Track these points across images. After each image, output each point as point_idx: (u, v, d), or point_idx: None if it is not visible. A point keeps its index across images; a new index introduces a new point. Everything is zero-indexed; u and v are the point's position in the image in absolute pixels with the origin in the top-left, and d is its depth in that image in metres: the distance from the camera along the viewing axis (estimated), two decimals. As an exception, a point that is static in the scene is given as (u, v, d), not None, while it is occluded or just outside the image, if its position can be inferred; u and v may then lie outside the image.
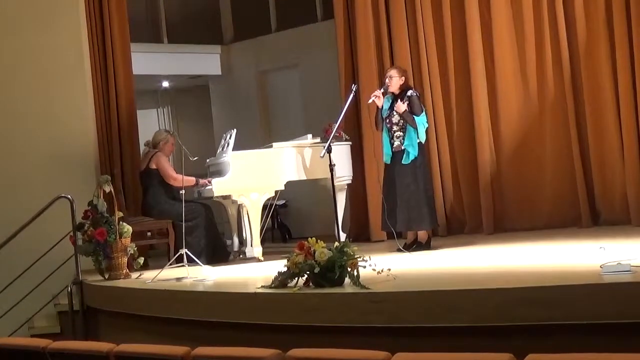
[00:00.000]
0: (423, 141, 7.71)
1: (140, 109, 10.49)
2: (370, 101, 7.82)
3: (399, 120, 7.68)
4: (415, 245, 7.74)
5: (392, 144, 7.73)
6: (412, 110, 7.64)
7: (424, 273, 6.25)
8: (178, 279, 6.76)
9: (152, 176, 8.25)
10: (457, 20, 9.11)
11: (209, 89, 13.24)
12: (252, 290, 5.70)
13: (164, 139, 8.42)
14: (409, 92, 7.73)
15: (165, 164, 8.32)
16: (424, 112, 7.72)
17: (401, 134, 7.67)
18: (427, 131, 7.80)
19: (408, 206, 7.65)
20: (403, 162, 7.62)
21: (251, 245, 8.26)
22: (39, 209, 7.82)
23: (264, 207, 8.29)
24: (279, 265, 5.67)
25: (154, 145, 8.41)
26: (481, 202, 8.94)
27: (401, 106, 7.62)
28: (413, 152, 7.60)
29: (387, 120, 7.77)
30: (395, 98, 7.74)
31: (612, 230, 7.83)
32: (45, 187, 8.26)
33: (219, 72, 12.73)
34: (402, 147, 7.62)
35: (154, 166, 8.24)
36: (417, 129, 7.59)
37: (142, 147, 8.80)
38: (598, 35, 8.37)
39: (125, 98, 9.32)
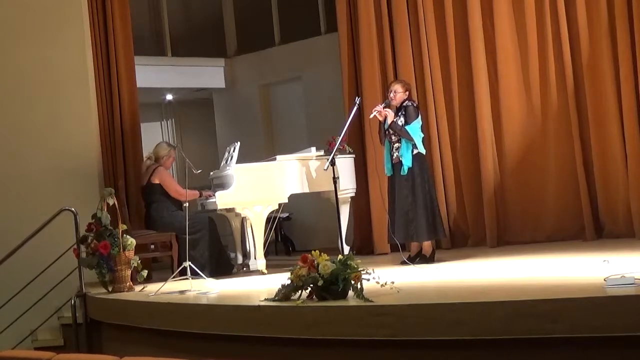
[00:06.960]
0: (423, 152, 7.73)
1: (144, 122, 10.51)
2: (372, 116, 7.85)
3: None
4: (419, 258, 7.74)
5: (392, 156, 7.76)
6: (406, 120, 7.66)
7: (428, 286, 6.25)
8: (181, 292, 6.77)
9: (155, 190, 8.25)
10: (460, 32, 9.12)
11: (213, 101, 13.26)
12: (255, 303, 5.67)
13: (167, 154, 8.42)
14: (406, 102, 7.76)
15: (169, 179, 8.34)
16: (416, 121, 7.70)
17: (399, 145, 7.70)
18: (427, 142, 7.79)
19: (407, 218, 7.67)
20: (401, 173, 7.64)
21: (255, 258, 8.25)
22: (43, 221, 7.82)
23: (268, 219, 8.29)
24: (283, 278, 5.66)
25: (156, 159, 8.41)
26: (485, 215, 8.93)
27: (388, 115, 7.65)
28: (407, 163, 7.62)
29: (387, 133, 7.80)
30: (396, 111, 7.77)
31: (616, 243, 7.80)
32: (49, 199, 8.26)
33: (223, 85, 12.76)
34: (400, 159, 7.65)
35: (156, 181, 8.23)
36: (411, 141, 7.60)
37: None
38: (601, 47, 8.37)
39: (129, 111, 9.32)
